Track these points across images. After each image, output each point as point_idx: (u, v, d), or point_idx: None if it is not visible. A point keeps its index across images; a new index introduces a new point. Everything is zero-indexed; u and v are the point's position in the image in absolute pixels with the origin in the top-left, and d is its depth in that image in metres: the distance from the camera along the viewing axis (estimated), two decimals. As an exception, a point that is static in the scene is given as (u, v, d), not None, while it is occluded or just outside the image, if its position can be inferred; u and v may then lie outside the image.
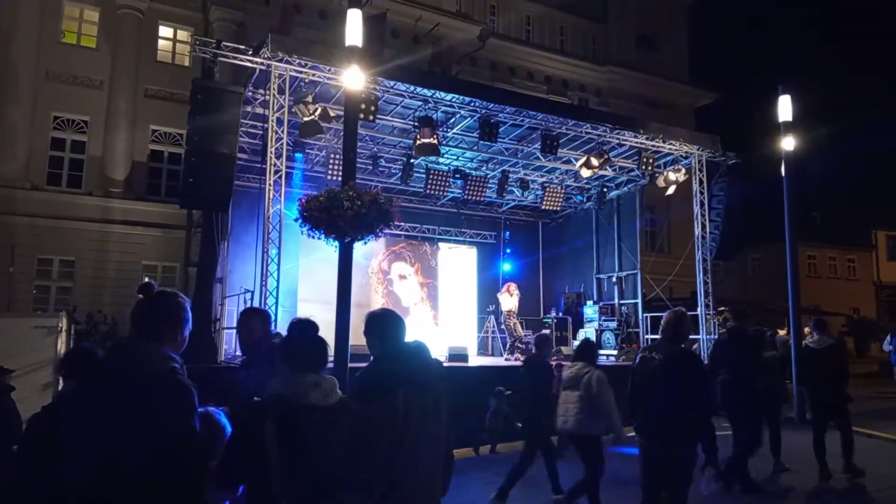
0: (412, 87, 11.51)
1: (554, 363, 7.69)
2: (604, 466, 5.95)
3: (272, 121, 10.42)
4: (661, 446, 4.23)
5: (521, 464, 6.48)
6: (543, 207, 16.59)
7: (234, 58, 10.52)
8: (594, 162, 13.67)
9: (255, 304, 10.26)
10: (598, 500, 5.84)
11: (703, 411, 4.22)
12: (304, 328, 2.89)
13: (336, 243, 8.48)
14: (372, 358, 3.16)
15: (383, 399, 2.86)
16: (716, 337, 14.17)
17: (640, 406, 4.40)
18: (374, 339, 3.14)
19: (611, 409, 5.79)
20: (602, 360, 15.46)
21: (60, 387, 3.72)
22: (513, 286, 14.91)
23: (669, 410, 4.17)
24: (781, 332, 19.86)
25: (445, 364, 12.15)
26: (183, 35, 19.03)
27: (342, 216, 8.24)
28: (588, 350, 6.46)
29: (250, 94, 11.61)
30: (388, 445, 2.82)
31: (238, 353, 11.44)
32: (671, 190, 15.03)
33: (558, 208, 16.94)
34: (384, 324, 3.16)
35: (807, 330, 10.24)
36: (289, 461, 2.52)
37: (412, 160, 13.90)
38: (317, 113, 10.81)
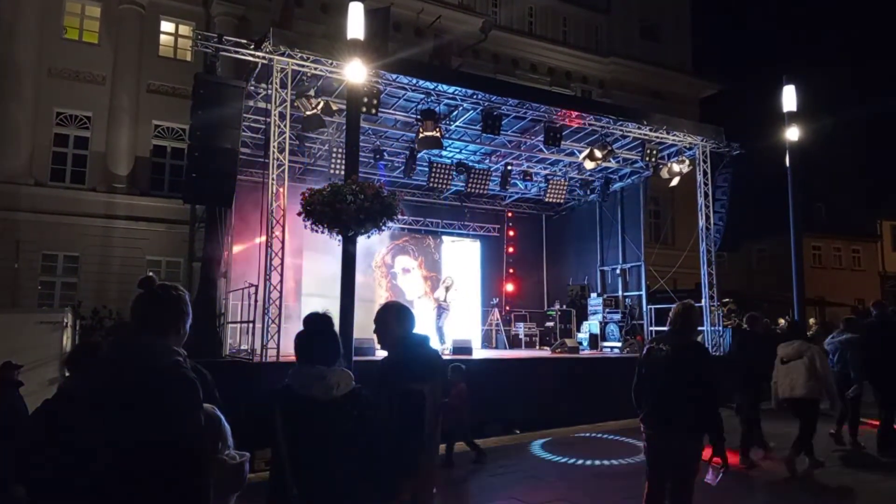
0: (414, 80, 11.49)
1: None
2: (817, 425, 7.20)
3: (274, 115, 10.41)
4: (667, 437, 4.23)
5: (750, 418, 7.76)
6: (547, 200, 16.57)
7: (236, 52, 10.52)
8: (598, 154, 13.63)
9: (260, 300, 10.28)
10: (812, 450, 7.22)
11: (710, 402, 4.21)
12: (315, 322, 2.94)
13: (339, 237, 8.48)
14: (398, 343, 3.25)
15: (431, 381, 3.09)
16: (720, 328, 14.20)
17: (647, 397, 4.40)
18: (396, 327, 3.26)
19: (831, 378, 7.11)
20: (606, 352, 15.50)
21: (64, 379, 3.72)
22: (448, 279, 14.86)
23: (676, 401, 4.17)
24: (781, 322, 19.90)
25: (449, 357, 12.21)
26: (185, 30, 19.00)
27: (345, 210, 8.24)
28: (801, 329, 7.88)
29: (252, 88, 11.61)
30: (432, 423, 3.01)
31: (242, 347, 11.50)
32: (675, 181, 14.99)
33: (562, 201, 16.92)
34: (405, 314, 3.33)
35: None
36: (294, 451, 2.59)
37: (415, 153, 13.88)
38: (319, 107, 10.80)
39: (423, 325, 14.51)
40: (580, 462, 8.03)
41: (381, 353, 3.32)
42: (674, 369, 4.22)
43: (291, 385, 2.71)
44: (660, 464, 4.33)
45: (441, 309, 14.14)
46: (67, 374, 3.73)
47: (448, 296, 14.23)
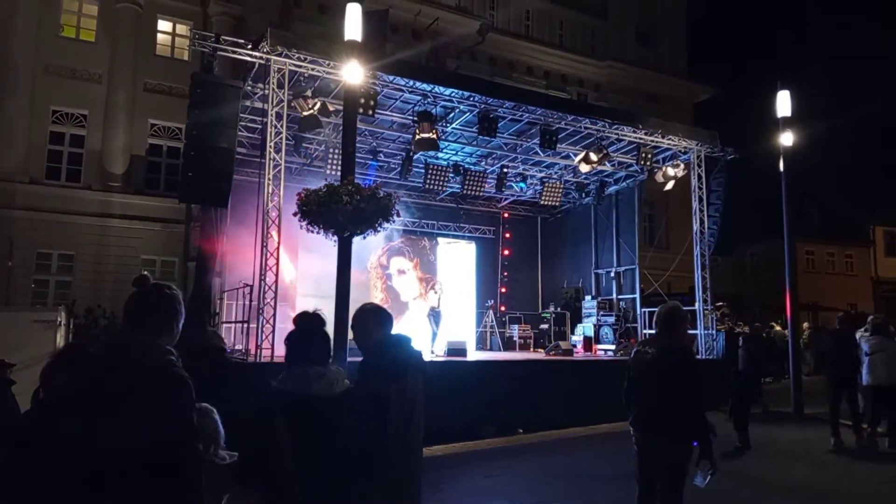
0: (411, 82, 11.52)
1: None
2: None
3: (271, 115, 10.42)
4: (654, 440, 4.26)
5: (835, 404, 8.87)
6: (542, 202, 16.61)
7: (233, 52, 10.52)
8: (593, 157, 13.69)
9: (255, 299, 10.28)
10: None
11: (695, 405, 4.21)
12: (309, 322, 2.95)
13: (335, 238, 8.50)
14: (374, 347, 3.21)
15: (397, 381, 2.97)
16: (713, 332, 14.26)
17: (635, 400, 4.43)
18: (374, 330, 3.20)
19: None
20: (600, 355, 15.55)
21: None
22: (437, 283, 14.91)
23: (661, 404, 4.20)
24: (777, 327, 19.98)
25: (444, 359, 12.24)
26: (182, 29, 18.97)
27: (341, 211, 8.27)
28: (884, 326, 8.68)
29: (249, 88, 11.60)
30: (399, 424, 2.92)
31: (237, 347, 11.50)
32: (670, 185, 15.05)
33: (557, 203, 16.96)
34: (384, 316, 3.26)
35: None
36: (303, 452, 2.59)
37: (411, 155, 13.90)
38: (316, 107, 10.81)
39: (419, 325, 14.61)
40: (574, 464, 8.06)
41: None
42: (659, 373, 4.24)
43: (289, 386, 2.71)
44: (648, 467, 4.34)
45: (437, 314, 14.21)
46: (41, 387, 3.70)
47: (440, 300, 14.37)
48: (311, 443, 2.60)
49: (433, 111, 12.15)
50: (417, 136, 12.18)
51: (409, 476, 3.07)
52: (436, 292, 14.64)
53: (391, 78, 11.28)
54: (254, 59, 10.56)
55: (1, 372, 6.23)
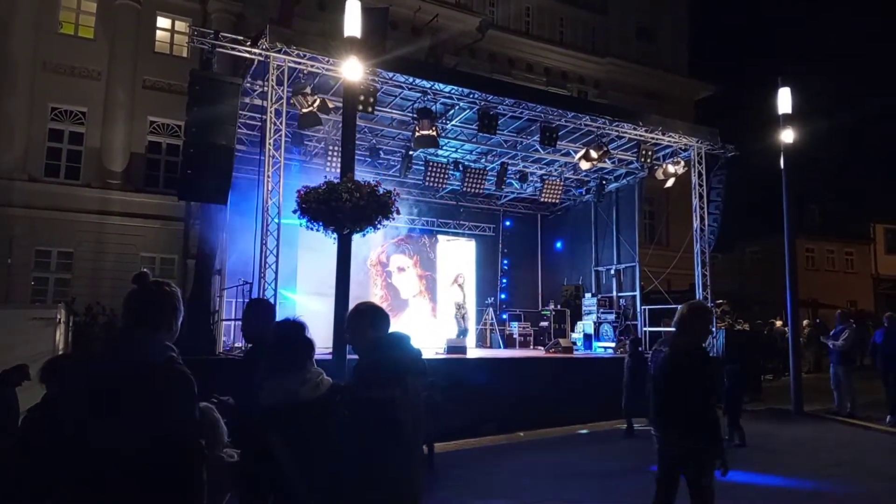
0: (411, 79, 11.49)
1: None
2: None
3: (270, 112, 10.39)
4: (668, 438, 4.26)
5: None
6: (542, 200, 16.59)
7: (233, 49, 10.49)
8: (593, 154, 13.67)
9: (254, 297, 10.25)
10: None
11: (704, 404, 4.19)
12: (291, 329, 2.95)
13: (335, 235, 8.49)
14: (370, 347, 3.10)
15: (395, 385, 2.86)
16: (713, 330, 14.27)
17: (652, 399, 4.44)
18: (369, 331, 3.09)
19: None
20: (600, 352, 15.55)
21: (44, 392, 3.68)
22: (460, 277, 14.94)
23: (674, 403, 4.22)
24: (779, 323, 19.97)
25: (444, 356, 12.22)
26: (181, 26, 18.91)
27: (341, 208, 8.25)
28: None
29: (248, 85, 11.57)
30: (403, 429, 2.84)
31: (236, 344, 11.49)
32: (670, 182, 15.02)
33: (557, 201, 16.94)
34: (379, 316, 3.16)
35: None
36: (302, 459, 2.59)
37: (411, 152, 13.88)
38: (315, 104, 10.78)
39: (419, 323, 14.60)
40: (575, 461, 8.06)
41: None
42: (670, 371, 4.25)
43: (276, 399, 2.70)
44: (669, 465, 4.31)
45: (463, 310, 14.23)
46: (45, 387, 3.70)
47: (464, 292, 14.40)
48: (308, 448, 2.59)
49: (433, 108, 12.13)
50: (417, 134, 12.16)
51: (412, 476, 3.02)
52: (459, 285, 14.67)
53: (391, 75, 11.25)
54: (253, 56, 10.53)
55: (19, 376, 6.21)
